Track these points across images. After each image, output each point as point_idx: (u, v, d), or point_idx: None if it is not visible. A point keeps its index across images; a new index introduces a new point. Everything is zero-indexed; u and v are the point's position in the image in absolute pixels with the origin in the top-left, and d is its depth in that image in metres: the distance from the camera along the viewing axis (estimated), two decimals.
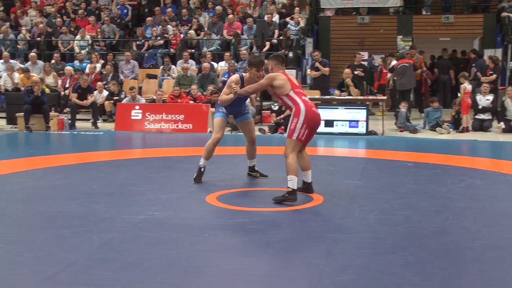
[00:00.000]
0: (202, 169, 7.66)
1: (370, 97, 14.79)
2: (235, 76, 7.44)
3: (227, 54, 17.02)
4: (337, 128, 12.96)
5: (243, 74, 7.49)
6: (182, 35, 18.39)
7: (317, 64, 15.20)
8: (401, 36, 19.08)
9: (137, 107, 14.20)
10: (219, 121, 7.60)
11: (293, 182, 6.51)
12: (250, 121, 7.83)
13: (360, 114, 13.07)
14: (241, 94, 7.20)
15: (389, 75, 16.68)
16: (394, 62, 16.85)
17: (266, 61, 7.97)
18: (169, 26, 18.66)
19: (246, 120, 7.78)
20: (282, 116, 13.28)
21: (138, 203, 6.60)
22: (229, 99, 7.30)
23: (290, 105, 6.76)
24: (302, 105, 6.65)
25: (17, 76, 16.49)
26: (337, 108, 13.21)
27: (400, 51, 17.92)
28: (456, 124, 13.64)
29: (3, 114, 15.12)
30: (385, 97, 14.75)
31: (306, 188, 7.05)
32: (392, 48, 18.77)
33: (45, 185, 7.67)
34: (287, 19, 18.58)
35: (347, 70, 14.55)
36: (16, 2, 21.64)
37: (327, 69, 15.36)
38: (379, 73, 17.10)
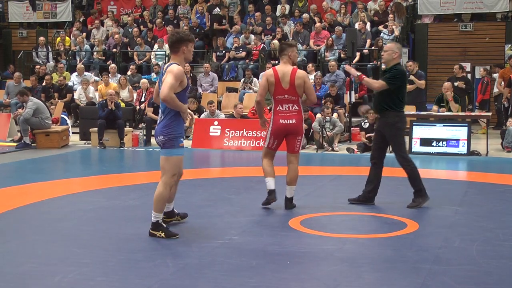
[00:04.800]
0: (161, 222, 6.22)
1: (473, 113, 14.43)
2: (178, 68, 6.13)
3: (309, 65, 16.85)
4: (435, 148, 12.71)
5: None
6: (264, 45, 18.53)
7: (411, 76, 14.96)
8: (509, 45, 18.57)
9: (216, 122, 14.36)
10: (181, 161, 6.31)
11: (269, 183, 7.39)
12: None
13: (461, 132, 12.77)
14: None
15: (495, 89, 16.29)
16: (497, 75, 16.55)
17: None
18: (251, 36, 18.84)
19: None
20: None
21: (215, 227, 6.67)
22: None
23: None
24: (272, 116, 7.33)
25: (92, 90, 17.00)
26: (435, 125, 12.96)
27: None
28: None
29: (77, 130, 15.58)
30: (489, 113, 14.37)
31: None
32: (499, 58, 18.31)
33: (118, 205, 7.85)
34: (380, 27, 18.45)
35: (446, 84, 14.27)
36: (94, 12, 22.39)
37: (422, 82, 15.12)
38: (484, 86, 16.68)
